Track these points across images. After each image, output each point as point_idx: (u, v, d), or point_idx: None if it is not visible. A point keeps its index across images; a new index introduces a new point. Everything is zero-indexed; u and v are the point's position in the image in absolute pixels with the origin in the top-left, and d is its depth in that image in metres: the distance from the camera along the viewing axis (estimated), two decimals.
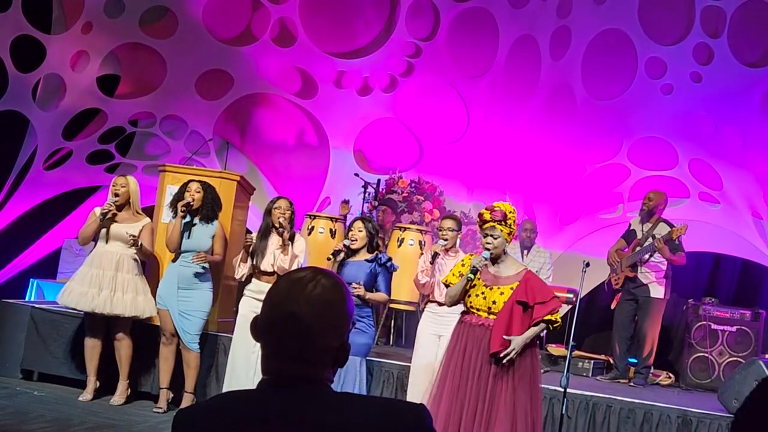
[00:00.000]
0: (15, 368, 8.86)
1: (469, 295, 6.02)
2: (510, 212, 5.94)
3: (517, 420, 5.72)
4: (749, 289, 11.20)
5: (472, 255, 6.23)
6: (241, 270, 7.71)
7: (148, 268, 8.40)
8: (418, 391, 6.97)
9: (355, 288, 6.95)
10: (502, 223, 5.88)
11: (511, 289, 5.85)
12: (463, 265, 6.13)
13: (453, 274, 6.16)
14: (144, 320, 8.17)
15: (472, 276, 5.94)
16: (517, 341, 5.78)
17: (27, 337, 8.83)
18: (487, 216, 5.92)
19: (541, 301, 5.83)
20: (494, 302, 5.86)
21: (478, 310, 5.95)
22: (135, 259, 8.15)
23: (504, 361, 5.79)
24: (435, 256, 7.26)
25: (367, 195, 10.89)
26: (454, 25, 11.68)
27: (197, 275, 7.91)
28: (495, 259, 6.02)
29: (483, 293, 5.92)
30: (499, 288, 5.90)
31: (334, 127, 12.41)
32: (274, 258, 7.57)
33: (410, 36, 11.86)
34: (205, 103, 12.07)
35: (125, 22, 11.21)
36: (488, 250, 5.94)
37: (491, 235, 5.91)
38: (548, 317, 5.85)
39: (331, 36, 11.96)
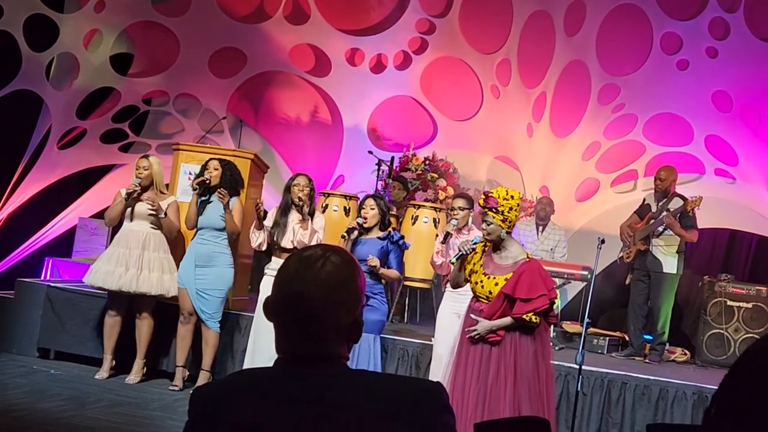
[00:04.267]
0: (31, 347, 8.91)
1: (470, 281, 6.01)
2: (504, 199, 5.83)
3: (522, 402, 5.70)
4: (765, 265, 11.15)
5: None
6: (257, 238, 7.71)
7: (173, 247, 8.40)
8: (441, 370, 6.94)
9: (371, 259, 6.97)
10: (494, 210, 5.82)
11: (505, 280, 5.80)
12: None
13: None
14: (169, 299, 8.21)
15: (453, 261, 5.98)
16: (484, 324, 5.75)
17: (43, 315, 8.88)
18: (480, 202, 5.90)
19: (526, 298, 5.68)
20: (490, 292, 5.83)
21: (479, 297, 5.94)
22: (161, 238, 8.18)
23: (467, 336, 5.81)
24: (447, 236, 7.22)
25: (380, 173, 10.87)
26: (468, 1, 11.62)
27: (215, 253, 7.94)
28: (497, 246, 5.97)
29: (481, 281, 5.90)
30: (494, 278, 5.85)
31: (347, 104, 12.39)
32: (293, 234, 7.57)
33: (424, 12, 11.80)
34: (218, 81, 12.08)
35: (138, 1, 11.21)
36: (479, 234, 5.95)
37: (485, 221, 5.89)
38: (527, 316, 5.73)
39: (344, 13, 11.92)
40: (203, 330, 8.05)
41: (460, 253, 5.95)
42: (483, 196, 5.91)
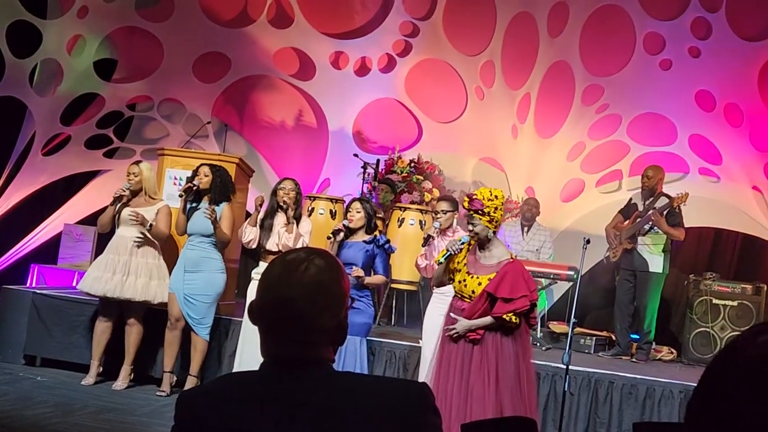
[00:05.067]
0: (18, 354, 8.88)
1: (453, 280, 6.03)
2: (489, 200, 5.87)
3: (504, 403, 5.73)
4: (750, 263, 11.19)
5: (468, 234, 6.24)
6: (249, 234, 7.71)
7: (166, 253, 8.40)
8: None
9: (356, 271, 6.97)
10: (480, 212, 5.86)
11: (489, 279, 5.84)
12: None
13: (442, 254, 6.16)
14: (157, 306, 8.19)
15: (442, 260, 5.98)
16: (463, 324, 5.80)
17: (29, 322, 8.85)
18: (465, 205, 5.92)
19: (508, 298, 5.73)
20: (473, 291, 5.87)
21: (462, 296, 5.97)
22: (152, 244, 8.17)
23: (446, 335, 5.87)
24: (428, 238, 7.24)
25: (366, 175, 10.88)
26: (452, 3, 11.63)
27: (203, 258, 7.94)
28: (482, 245, 6.00)
29: (464, 281, 5.93)
30: (478, 277, 5.89)
31: (332, 107, 12.38)
32: (279, 237, 7.59)
33: (407, 15, 11.81)
34: (202, 85, 12.06)
35: (121, 6, 11.20)
36: (466, 235, 5.97)
37: (471, 223, 5.92)
38: (507, 316, 5.77)
39: (328, 16, 11.92)
40: (192, 335, 8.04)
41: (449, 252, 5.96)
42: (467, 199, 5.92)
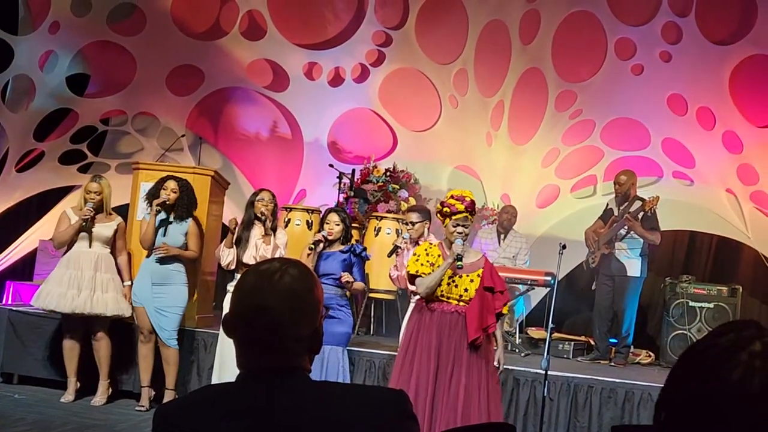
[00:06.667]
0: None
1: (439, 284, 6.05)
2: (473, 200, 6.04)
3: (491, 403, 5.82)
4: (725, 265, 11.27)
5: (432, 245, 6.27)
6: (227, 256, 7.68)
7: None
8: None
9: (345, 276, 6.98)
10: (474, 212, 5.99)
11: (478, 276, 5.93)
12: (428, 254, 6.13)
13: (422, 264, 6.12)
14: (125, 319, 8.16)
15: (461, 264, 5.96)
16: (503, 354, 6.14)
17: (5, 340, 8.78)
18: (460, 207, 5.95)
19: (502, 290, 6.00)
20: (466, 290, 5.92)
21: (448, 298, 5.99)
22: (111, 258, 8.14)
23: (498, 373, 6.08)
24: (395, 249, 7.27)
25: (342, 185, 10.88)
26: (424, 12, 11.65)
27: (171, 271, 7.91)
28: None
29: (453, 281, 5.97)
30: (468, 276, 5.96)
31: (306, 118, 12.38)
32: (256, 249, 7.58)
33: (380, 25, 11.82)
34: (176, 98, 12.03)
35: (93, 21, 11.15)
36: (460, 237, 5.99)
37: (463, 225, 5.95)
38: (504, 309, 6.00)
39: (301, 27, 11.91)
40: (162, 349, 7.99)
41: (461, 255, 5.96)
42: (458, 201, 5.96)
